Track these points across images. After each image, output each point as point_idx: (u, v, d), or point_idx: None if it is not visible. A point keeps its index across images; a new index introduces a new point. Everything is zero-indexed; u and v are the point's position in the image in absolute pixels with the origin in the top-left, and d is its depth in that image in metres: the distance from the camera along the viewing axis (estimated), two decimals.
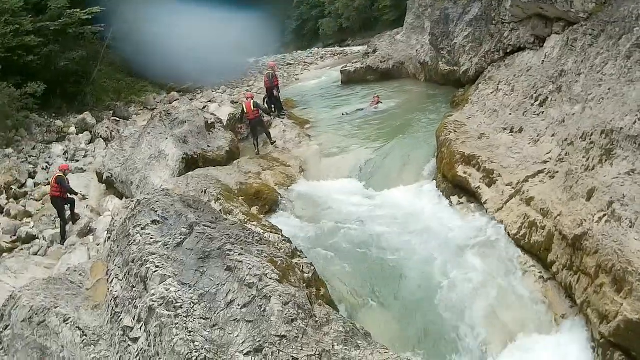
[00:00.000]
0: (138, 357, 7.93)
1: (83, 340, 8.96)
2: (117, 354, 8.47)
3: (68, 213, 20.36)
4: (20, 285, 11.61)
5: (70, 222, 20.29)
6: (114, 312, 8.89)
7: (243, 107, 24.07)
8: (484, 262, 12.45)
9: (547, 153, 12.65)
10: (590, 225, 9.69)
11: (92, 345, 8.88)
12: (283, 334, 7.29)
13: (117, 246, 9.86)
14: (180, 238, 9.08)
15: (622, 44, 11.38)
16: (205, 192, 15.22)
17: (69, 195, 20.20)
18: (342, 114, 26.89)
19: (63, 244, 19.42)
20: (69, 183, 20.33)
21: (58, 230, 19.92)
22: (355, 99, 32.17)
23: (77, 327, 9.12)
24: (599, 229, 9.45)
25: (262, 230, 12.02)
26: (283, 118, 26.31)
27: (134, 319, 8.27)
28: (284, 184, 18.64)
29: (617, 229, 8.97)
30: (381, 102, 27.80)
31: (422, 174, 18.33)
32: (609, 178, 9.70)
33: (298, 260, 10.96)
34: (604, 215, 9.47)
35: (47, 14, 35.40)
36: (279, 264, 9.18)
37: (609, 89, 11.19)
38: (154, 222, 9.44)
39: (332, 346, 7.40)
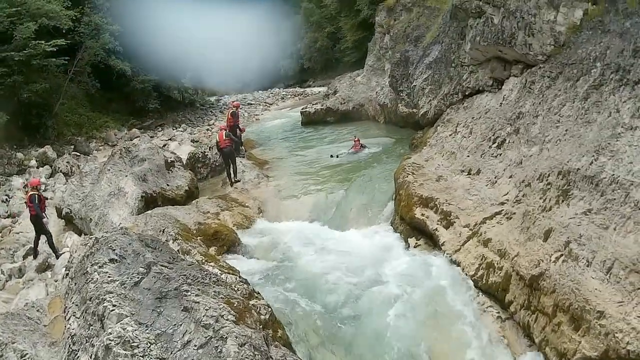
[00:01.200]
0: None
1: None
2: None
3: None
4: None
5: (32, 257, 19.96)
6: (71, 350, 8.72)
7: (217, 138, 24.51)
8: (442, 304, 12.45)
9: (505, 194, 12.74)
10: (548, 265, 9.75)
11: None
12: None
13: (75, 283, 9.70)
14: (138, 277, 8.94)
15: (580, 85, 11.52)
16: (163, 232, 15.07)
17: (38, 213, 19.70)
18: (331, 156, 26.45)
19: (58, 258, 19.31)
20: (41, 201, 19.96)
21: (17, 265, 19.60)
22: (315, 140, 32.31)
23: None
24: (556, 269, 9.51)
25: (219, 271, 11.94)
26: (243, 157, 26.44)
27: (90, 358, 8.08)
28: (242, 224, 18.55)
29: (574, 268, 9.04)
30: (365, 146, 27.15)
31: (380, 216, 18.36)
32: (565, 218, 9.77)
33: (255, 302, 10.88)
34: (561, 255, 9.54)
35: (12, 43, 35.05)
36: (235, 305, 9.11)
37: (566, 130, 11.31)
38: (111, 260, 9.29)
39: None
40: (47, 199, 21.29)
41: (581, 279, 8.79)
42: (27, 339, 9.54)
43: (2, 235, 23.22)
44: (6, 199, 28.08)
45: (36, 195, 19.56)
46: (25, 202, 21.27)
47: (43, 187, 28.50)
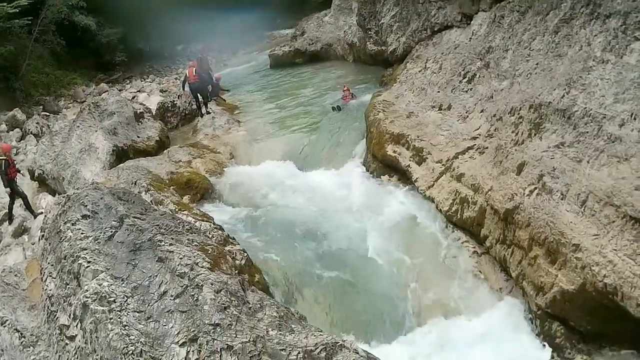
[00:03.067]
0: (76, 356, 7.77)
1: (22, 342, 8.80)
2: (55, 353, 8.30)
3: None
4: None
5: (7, 222, 19.78)
6: (49, 311, 8.70)
7: (186, 74, 25.07)
8: (416, 240, 12.54)
9: (476, 129, 12.69)
10: (522, 198, 9.75)
11: (31, 347, 8.72)
12: (217, 322, 7.16)
13: (49, 244, 9.61)
14: (111, 231, 8.85)
15: (550, 19, 11.38)
16: (135, 184, 14.95)
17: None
18: (333, 109, 23.50)
19: (35, 218, 19.25)
20: (13, 164, 19.88)
21: None
22: (284, 82, 32.02)
23: (14, 329, 8.95)
24: (530, 202, 9.51)
25: (193, 219, 11.86)
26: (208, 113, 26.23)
27: (69, 317, 8.08)
28: (214, 171, 18.38)
29: (549, 202, 9.04)
30: (355, 96, 24.09)
31: (352, 155, 18.31)
32: (538, 152, 9.74)
33: (230, 248, 10.85)
34: (535, 188, 9.53)
35: None
36: (210, 252, 9.06)
37: (536, 64, 11.22)
38: (84, 216, 9.18)
39: (267, 331, 7.30)
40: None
41: (556, 212, 8.78)
42: (6, 304, 9.49)
43: None
44: None
45: (3, 160, 19.28)
46: None
47: (14, 150, 28.14)
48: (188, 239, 9.18)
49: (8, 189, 19.77)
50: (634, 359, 8.20)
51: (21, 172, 20.72)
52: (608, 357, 8.45)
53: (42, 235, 10.49)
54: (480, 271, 11.28)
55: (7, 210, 20.03)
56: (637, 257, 7.17)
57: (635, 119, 7.88)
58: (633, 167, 7.55)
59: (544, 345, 9.16)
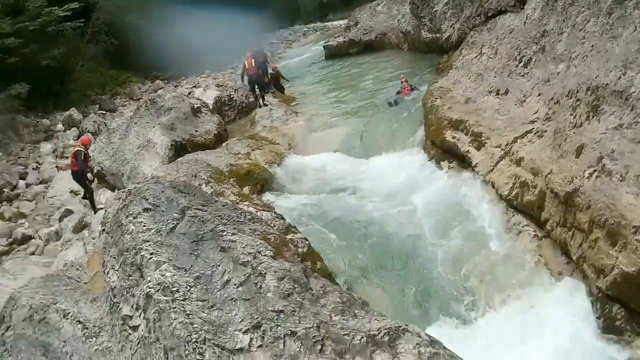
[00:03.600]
0: (139, 345, 7.85)
1: (84, 334, 8.91)
2: (118, 343, 8.40)
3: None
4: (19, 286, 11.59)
5: (66, 219, 20.26)
6: (112, 303, 8.81)
7: (244, 63, 25.61)
8: (477, 225, 12.51)
9: (534, 113, 12.61)
10: (581, 181, 9.68)
11: (94, 338, 8.83)
12: (280, 309, 7.23)
13: (111, 237, 9.75)
14: (173, 223, 8.97)
15: (603, 1, 11.26)
16: (195, 177, 15.12)
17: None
18: (389, 104, 22.99)
19: (96, 212, 19.65)
20: (86, 158, 20.40)
21: (54, 228, 19.94)
22: (340, 72, 32.09)
23: (77, 321, 9.07)
24: (590, 185, 9.45)
25: (254, 209, 11.97)
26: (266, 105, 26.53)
27: (132, 308, 8.19)
28: (274, 161, 18.55)
29: (608, 184, 8.97)
30: (416, 89, 22.90)
31: (410, 142, 18.37)
32: (597, 134, 9.66)
33: (292, 236, 10.96)
34: (594, 170, 9.45)
35: (24, 14, 34.94)
36: (272, 240, 9.12)
37: (592, 46, 11.10)
38: (145, 210, 9.33)
39: (330, 317, 7.35)
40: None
41: (615, 194, 8.72)
42: (69, 297, 9.65)
43: (36, 201, 23.64)
44: (36, 166, 28.52)
45: (82, 152, 19.81)
46: (69, 157, 21.34)
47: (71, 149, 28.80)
48: (250, 229, 9.25)
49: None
50: None
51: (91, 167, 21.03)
52: None
53: (103, 230, 10.70)
54: (540, 255, 11.22)
55: (67, 207, 20.50)
56: None
57: None
58: None
59: (604, 329, 9.17)
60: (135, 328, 8.03)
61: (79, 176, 20.03)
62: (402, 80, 23.29)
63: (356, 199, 15.07)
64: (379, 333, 6.98)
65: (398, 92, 23.07)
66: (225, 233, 8.73)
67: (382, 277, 11.97)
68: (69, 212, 20.98)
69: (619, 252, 8.55)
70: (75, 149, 20.14)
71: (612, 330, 9.00)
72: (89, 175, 20.35)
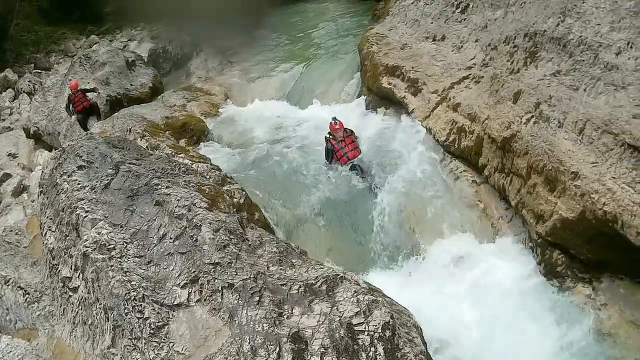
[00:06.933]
0: (80, 306, 7.84)
1: (26, 299, 8.95)
2: (60, 306, 8.39)
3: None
4: None
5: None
6: (51, 265, 8.77)
7: None
8: (415, 171, 12.53)
9: (471, 59, 12.61)
10: (519, 127, 9.76)
11: (36, 303, 8.85)
12: (216, 261, 7.17)
13: (47, 198, 9.63)
14: (107, 179, 8.87)
15: None
16: (130, 131, 15.02)
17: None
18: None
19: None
20: (79, 101, 20.19)
21: None
22: (275, 20, 31.65)
23: (18, 287, 9.09)
24: (527, 130, 9.53)
25: (189, 162, 11.85)
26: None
27: (71, 269, 8.12)
28: (210, 113, 18.54)
29: (546, 130, 9.04)
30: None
31: (346, 88, 18.27)
32: (534, 80, 9.70)
33: (228, 187, 10.85)
34: (532, 116, 9.52)
35: None
36: (207, 192, 9.04)
37: None
38: (79, 167, 9.20)
39: (267, 267, 7.33)
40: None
41: (553, 140, 8.79)
42: (9, 263, 9.63)
43: None
44: None
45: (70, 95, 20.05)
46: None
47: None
48: (185, 181, 9.14)
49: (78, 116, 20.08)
50: (634, 286, 8.30)
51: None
52: (609, 285, 8.55)
53: (41, 191, 10.52)
54: (479, 200, 11.37)
55: (6, 171, 20.26)
56: (637, 185, 7.19)
57: (632, 47, 7.84)
58: (630, 96, 7.53)
59: (546, 274, 9.30)
60: (75, 290, 7.98)
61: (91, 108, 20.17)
62: (337, 126, 14.18)
63: (294, 148, 15.00)
64: (316, 282, 6.98)
65: (330, 151, 14.13)
66: (159, 186, 8.64)
67: (321, 225, 12.06)
68: (7, 177, 20.59)
69: (557, 198, 8.69)
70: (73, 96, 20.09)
71: (553, 275, 9.22)
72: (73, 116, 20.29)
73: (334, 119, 14.21)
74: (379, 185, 12.59)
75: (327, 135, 14.11)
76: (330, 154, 13.97)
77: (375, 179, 12.90)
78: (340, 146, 13.84)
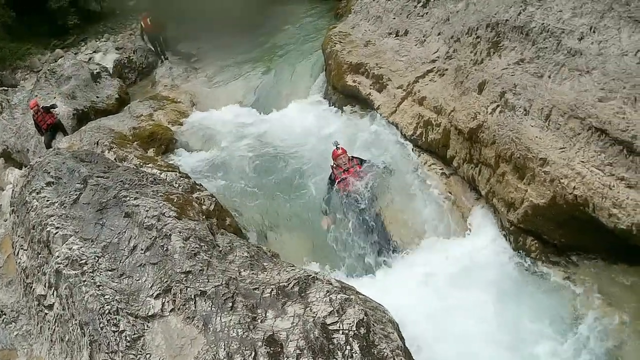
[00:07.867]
0: (56, 324, 7.76)
1: (3, 320, 8.93)
2: (37, 325, 8.33)
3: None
4: None
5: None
6: (25, 284, 8.70)
7: (141, 24, 26.87)
8: (384, 167, 12.47)
9: (435, 52, 12.63)
10: (485, 117, 9.81)
11: (13, 323, 8.87)
12: (188, 269, 7.11)
13: (17, 216, 9.56)
14: (76, 194, 8.76)
15: None
16: (97, 144, 14.84)
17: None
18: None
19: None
20: (42, 118, 19.76)
21: None
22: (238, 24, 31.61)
23: None
24: (493, 120, 9.57)
25: (158, 171, 11.76)
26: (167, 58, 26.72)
27: (45, 286, 8.06)
28: (177, 121, 18.41)
29: (512, 118, 9.08)
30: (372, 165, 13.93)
31: (312, 89, 18.29)
32: (498, 69, 9.75)
33: (198, 194, 10.77)
34: (497, 106, 9.58)
35: None
36: (175, 200, 8.96)
37: None
38: (48, 184, 9.09)
39: (239, 272, 7.27)
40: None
41: (520, 127, 8.84)
42: None
43: None
44: None
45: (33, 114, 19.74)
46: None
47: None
48: (153, 191, 9.05)
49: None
50: (608, 269, 8.34)
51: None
52: (583, 267, 8.60)
53: (12, 210, 10.41)
54: (450, 192, 11.38)
55: None
56: (606, 168, 7.24)
57: (594, 32, 7.90)
58: (595, 80, 7.58)
59: (518, 260, 9.34)
60: (50, 307, 7.90)
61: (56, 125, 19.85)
62: (339, 152, 12.51)
63: (262, 151, 14.92)
64: (288, 284, 6.95)
65: (333, 180, 12.46)
66: (128, 198, 8.54)
67: (293, 226, 12.08)
68: None
69: (527, 185, 8.75)
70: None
71: (529, 261, 9.28)
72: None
73: (336, 144, 12.51)
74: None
75: (332, 164, 12.35)
76: (332, 183, 12.25)
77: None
78: (341, 176, 12.04)
